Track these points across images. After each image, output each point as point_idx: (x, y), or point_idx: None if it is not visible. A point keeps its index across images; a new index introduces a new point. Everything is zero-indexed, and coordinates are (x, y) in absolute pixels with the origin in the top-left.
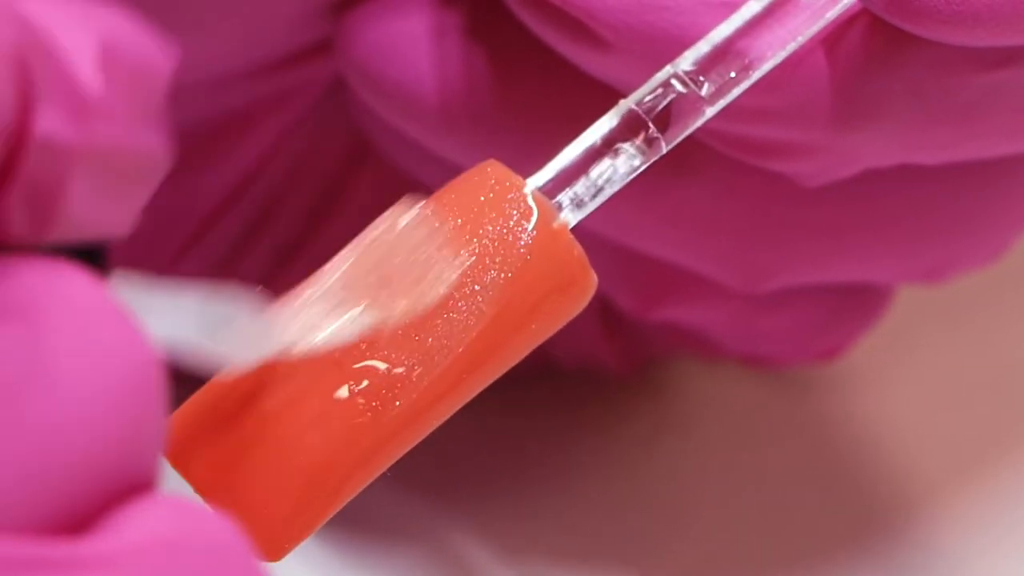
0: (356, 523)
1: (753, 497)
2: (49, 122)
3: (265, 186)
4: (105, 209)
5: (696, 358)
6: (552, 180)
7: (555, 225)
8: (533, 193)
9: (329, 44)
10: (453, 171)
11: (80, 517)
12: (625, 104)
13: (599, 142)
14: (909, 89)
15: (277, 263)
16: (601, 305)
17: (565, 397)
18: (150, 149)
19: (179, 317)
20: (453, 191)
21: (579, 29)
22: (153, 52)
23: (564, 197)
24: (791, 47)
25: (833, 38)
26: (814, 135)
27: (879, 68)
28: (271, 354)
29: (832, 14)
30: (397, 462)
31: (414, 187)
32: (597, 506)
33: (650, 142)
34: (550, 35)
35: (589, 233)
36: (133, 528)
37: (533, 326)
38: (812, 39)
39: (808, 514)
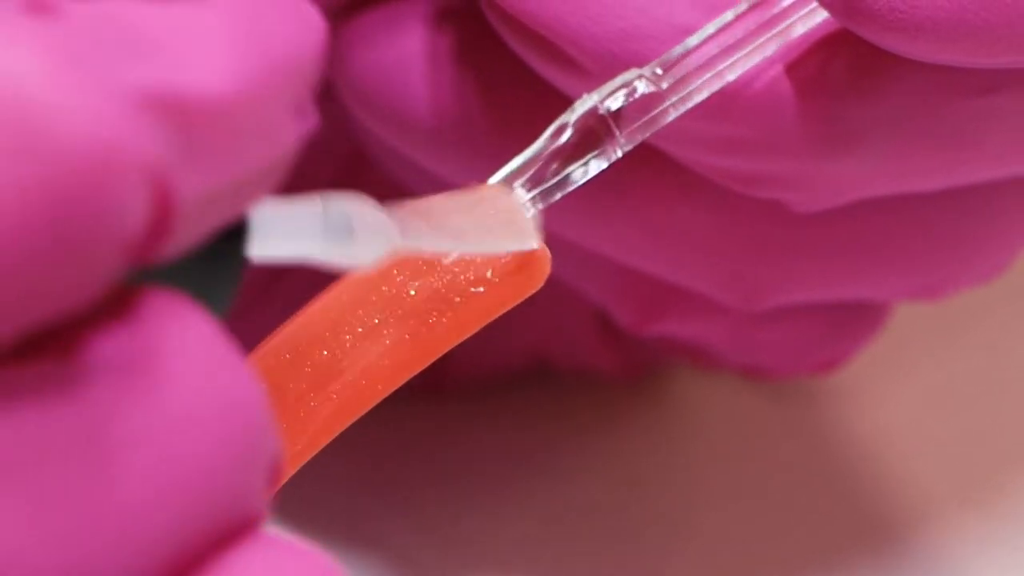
0: (352, 529)
1: (752, 506)
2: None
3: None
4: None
5: (695, 367)
6: (513, 174)
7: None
8: (495, 186)
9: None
10: (444, 186)
11: (190, 561)
12: (586, 100)
13: (559, 137)
14: (890, 117)
15: (275, 275)
16: (599, 315)
17: (563, 403)
18: (286, 145)
19: (302, 230)
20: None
21: (563, 57)
22: (296, 38)
23: (523, 188)
24: (756, 46)
25: (809, 66)
26: (792, 165)
27: (856, 96)
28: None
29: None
30: (393, 464)
31: (412, 195)
32: (596, 512)
33: (611, 138)
34: (534, 61)
35: (584, 250)
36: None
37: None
38: (782, 66)
39: (807, 524)
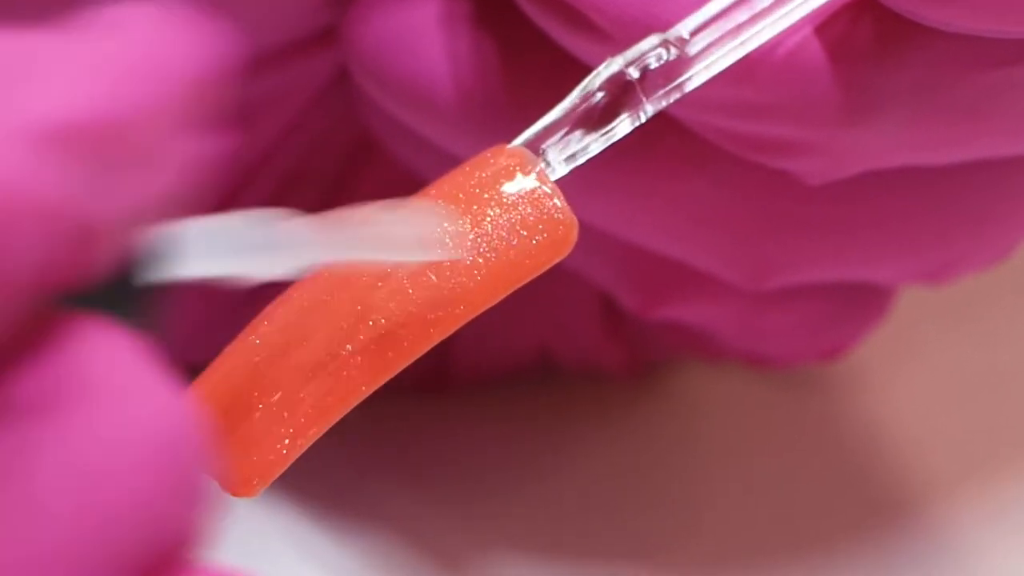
0: (351, 512)
1: (758, 497)
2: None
3: (270, 180)
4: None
5: (698, 359)
6: (536, 137)
7: (536, 179)
8: (516, 148)
9: (332, 34)
10: (455, 165)
11: None
12: (613, 63)
13: (585, 101)
14: (912, 86)
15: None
16: (602, 306)
17: (567, 398)
18: (193, 163)
19: (219, 246)
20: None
21: (582, 22)
22: (193, 59)
23: (550, 152)
24: (783, 12)
25: (833, 33)
26: (814, 132)
27: (882, 65)
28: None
29: None
30: (398, 457)
31: (419, 180)
32: (601, 503)
33: (635, 103)
34: (553, 28)
35: (593, 230)
36: None
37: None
38: (809, 33)
39: (813, 514)
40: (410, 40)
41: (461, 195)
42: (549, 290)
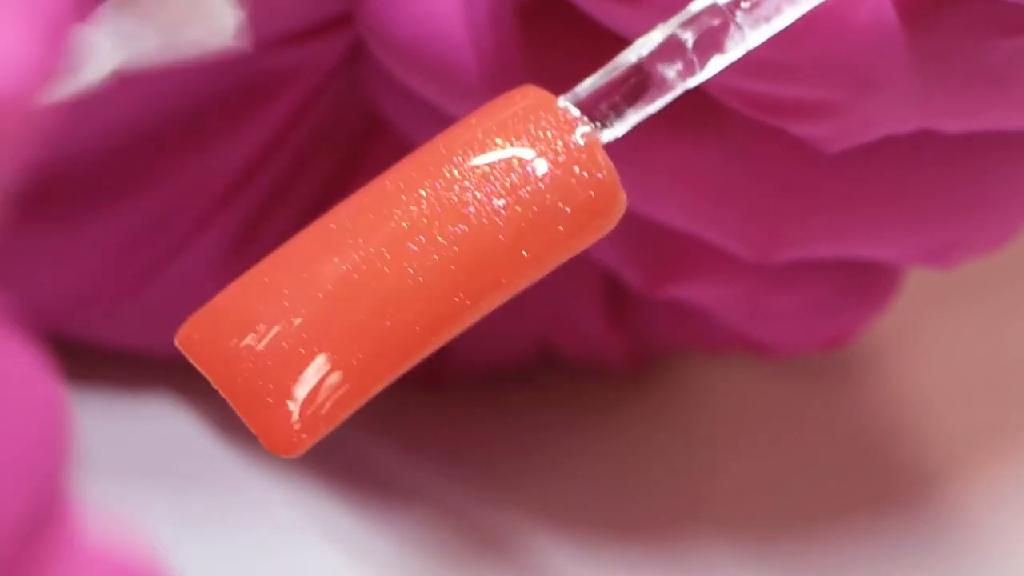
0: (366, 487)
1: (763, 486)
2: None
3: (283, 160)
4: None
5: (701, 350)
6: (587, 97)
7: (584, 139)
8: (564, 108)
9: (348, 15)
10: None
11: None
12: (665, 27)
13: (635, 63)
14: (934, 52)
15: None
16: (604, 296)
17: (568, 390)
18: None
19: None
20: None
21: None
22: None
23: (599, 113)
24: None
25: None
26: (835, 94)
27: (913, 27)
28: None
29: None
30: (393, 452)
31: None
32: (604, 495)
33: (688, 66)
34: None
35: None
36: None
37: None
38: None
39: (820, 502)
40: (427, 9)
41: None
42: (550, 280)
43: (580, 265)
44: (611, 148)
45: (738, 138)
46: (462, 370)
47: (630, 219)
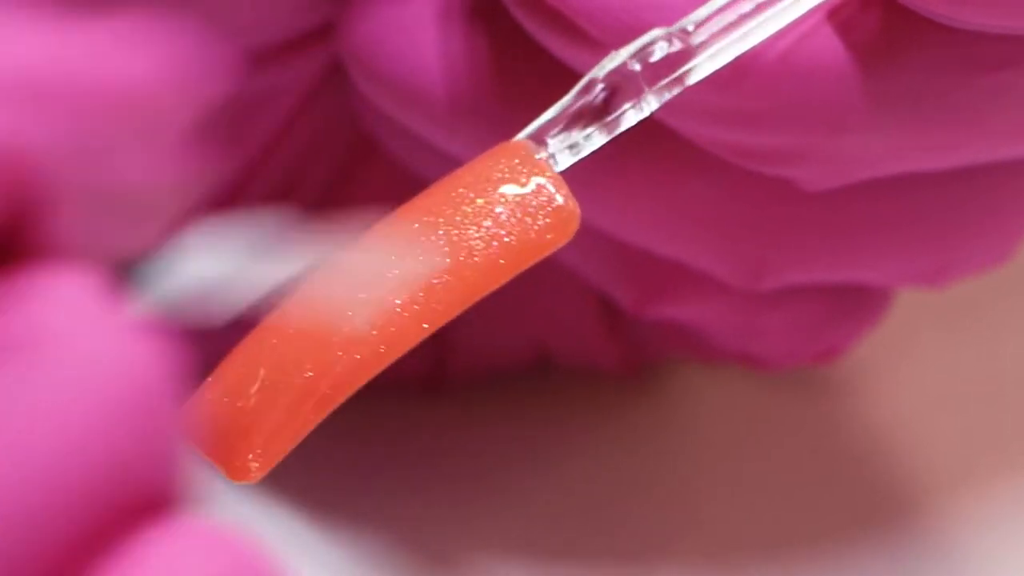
0: (347, 511)
1: (756, 497)
2: None
3: (269, 180)
4: (112, 234)
5: (694, 360)
6: (540, 129)
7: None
8: (520, 141)
9: (328, 31)
10: (452, 163)
11: (87, 543)
12: (616, 56)
13: (588, 93)
14: (903, 92)
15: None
16: (600, 305)
17: (563, 398)
18: (152, 181)
19: (221, 253)
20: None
21: (574, 31)
22: (139, 76)
23: (554, 143)
24: (785, 5)
25: (836, 27)
26: (813, 139)
27: (886, 65)
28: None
29: None
30: (392, 456)
31: (417, 178)
32: (598, 503)
33: (638, 95)
34: (544, 36)
35: (589, 228)
36: (143, 559)
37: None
38: (807, 32)
39: (812, 514)
40: (404, 38)
41: (463, 191)
42: (546, 288)
43: (575, 277)
44: (593, 176)
45: (722, 173)
46: (459, 375)
47: (617, 244)
